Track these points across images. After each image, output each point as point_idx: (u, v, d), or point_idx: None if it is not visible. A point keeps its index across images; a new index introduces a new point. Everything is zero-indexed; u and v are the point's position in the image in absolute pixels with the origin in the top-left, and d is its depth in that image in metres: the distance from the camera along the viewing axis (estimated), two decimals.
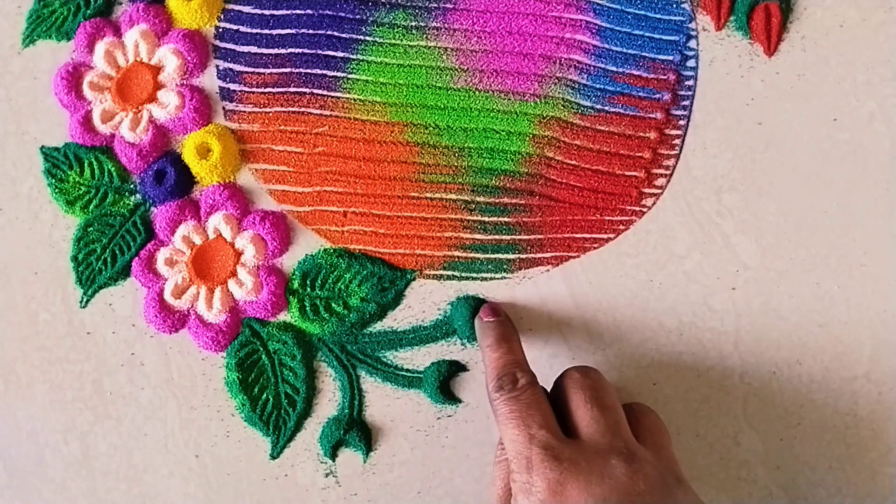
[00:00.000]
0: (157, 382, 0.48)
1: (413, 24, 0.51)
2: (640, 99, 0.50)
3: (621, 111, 0.50)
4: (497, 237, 0.49)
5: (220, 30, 0.52)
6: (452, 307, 0.48)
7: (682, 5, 0.51)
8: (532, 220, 0.49)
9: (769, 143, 0.49)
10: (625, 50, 0.50)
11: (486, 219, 0.49)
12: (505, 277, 0.48)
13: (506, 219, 0.49)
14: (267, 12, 0.52)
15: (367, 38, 0.51)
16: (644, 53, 0.50)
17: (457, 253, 0.49)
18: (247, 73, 0.51)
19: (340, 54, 0.51)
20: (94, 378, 0.48)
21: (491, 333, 0.44)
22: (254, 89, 0.51)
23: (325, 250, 0.49)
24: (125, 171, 0.50)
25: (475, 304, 0.47)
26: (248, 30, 0.52)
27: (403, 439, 0.47)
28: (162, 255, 0.49)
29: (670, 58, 0.50)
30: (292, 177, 0.50)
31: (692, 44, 0.50)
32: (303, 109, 0.50)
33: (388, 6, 0.52)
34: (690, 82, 0.50)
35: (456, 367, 0.47)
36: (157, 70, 0.51)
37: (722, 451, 0.46)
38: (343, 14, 0.52)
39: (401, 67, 0.51)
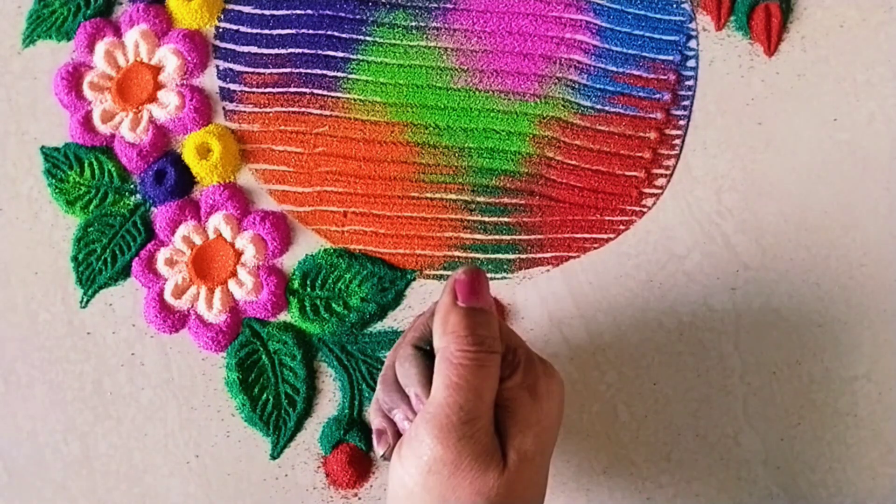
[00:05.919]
0: (157, 382, 0.48)
1: (413, 24, 0.51)
2: (641, 99, 0.50)
3: (621, 111, 0.50)
4: (497, 237, 0.49)
5: (221, 30, 0.52)
6: None
7: (682, 5, 0.51)
8: (532, 220, 0.49)
9: (769, 143, 0.49)
10: (625, 50, 0.50)
11: (486, 219, 0.49)
12: (505, 277, 0.48)
13: (506, 219, 0.49)
14: (267, 12, 0.52)
15: (368, 38, 0.51)
16: (644, 53, 0.50)
17: (457, 253, 0.49)
18: (247, 73, 0.51)
19: (340, 54, 0.51)
20: (94, 378, 0.48)
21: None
22: (254, 89, 0.51)
23: (325, 250, 0.49)
24: (125, 171, 0.50)
25: None
26: (249, 30, 0.52)
27: None
28: (162, 255, 0.49)
29: (670, 58, 0.50)
30: (292, 177, 0.50)
31: (692, 44, 0.50)
32: (303, 109, 0.50)
33: (388, 6, 0.52)
34: (690, 82, 0.50)
35: None
36: (157, 70, 0.51)
37: (722, 451, 0.46)
38: (343, 14, 0.52)
39: (401, 67, 0.51)
